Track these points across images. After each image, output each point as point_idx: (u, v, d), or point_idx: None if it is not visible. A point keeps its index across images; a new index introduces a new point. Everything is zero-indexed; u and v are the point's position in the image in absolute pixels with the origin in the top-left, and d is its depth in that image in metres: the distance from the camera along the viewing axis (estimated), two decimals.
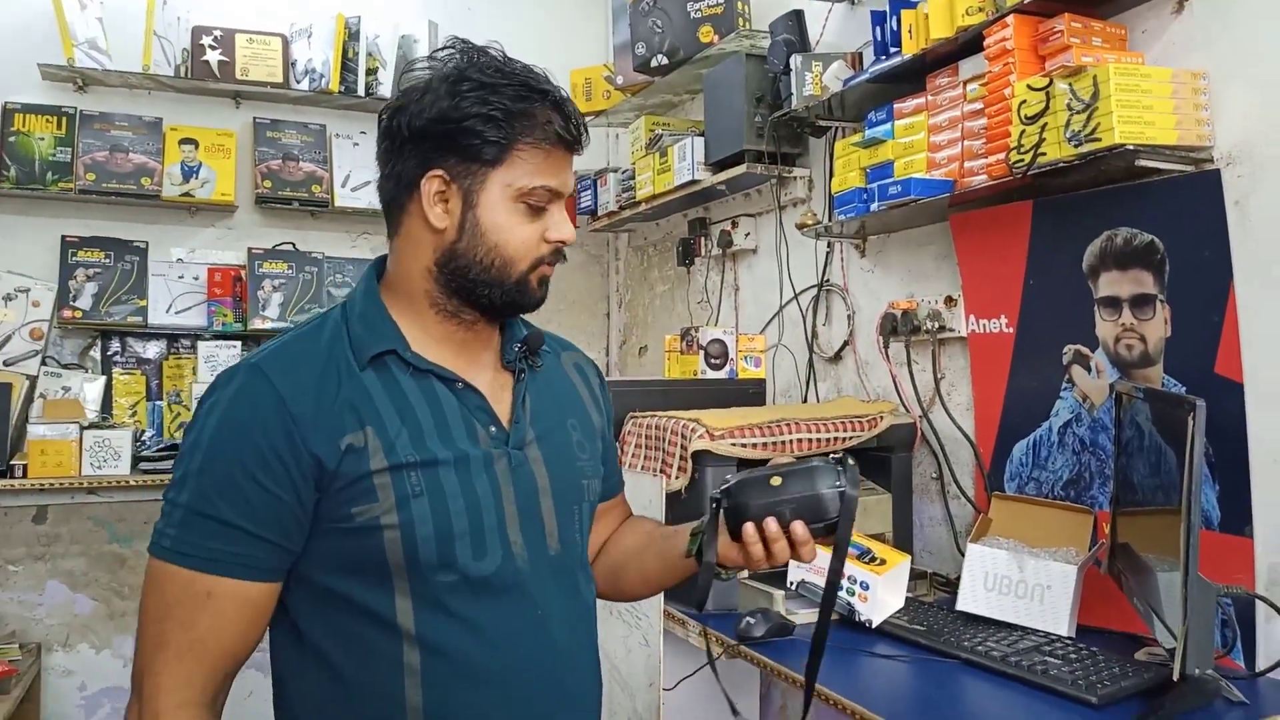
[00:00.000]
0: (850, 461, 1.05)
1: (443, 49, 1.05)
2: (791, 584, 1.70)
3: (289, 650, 1.03)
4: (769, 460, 1.27)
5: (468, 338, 1.08)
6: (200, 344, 2.86)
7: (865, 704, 1.36)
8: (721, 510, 1.04)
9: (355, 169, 3.06)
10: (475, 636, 1.01)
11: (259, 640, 1.01)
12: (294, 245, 3.02)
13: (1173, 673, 1.17)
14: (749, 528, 1.02)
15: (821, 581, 1.14)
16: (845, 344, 2.35)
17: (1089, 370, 1.70)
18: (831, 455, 1.07)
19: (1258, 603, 1.41)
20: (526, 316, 1.14)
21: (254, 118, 3.00)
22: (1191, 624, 1.15)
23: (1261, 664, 1.41)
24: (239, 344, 2.87)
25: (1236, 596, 1.32)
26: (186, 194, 2.88)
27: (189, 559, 0.95)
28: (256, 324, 2.87)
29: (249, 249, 2.92)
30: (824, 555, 1.07)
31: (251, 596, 0.97)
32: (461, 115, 1.00)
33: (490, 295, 1.05)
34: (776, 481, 1.02)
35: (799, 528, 1.02)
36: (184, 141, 2.89)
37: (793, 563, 1.10)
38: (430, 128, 1.01)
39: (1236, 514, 1.45)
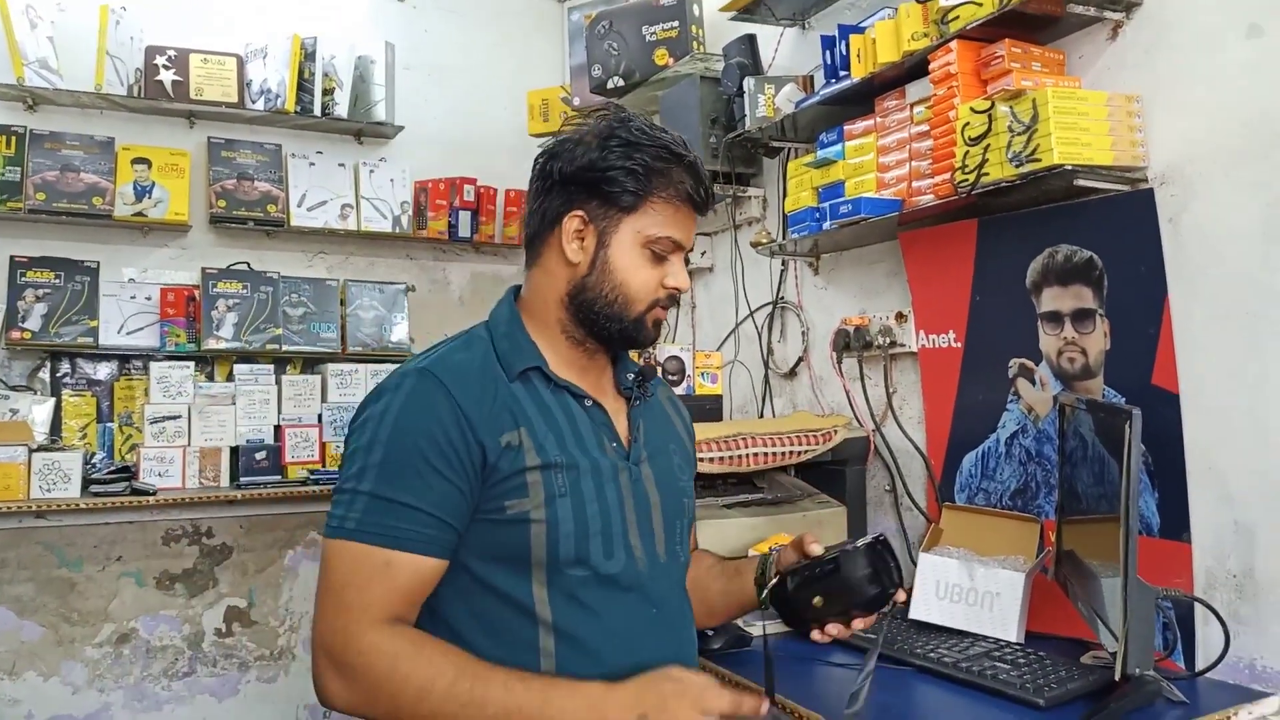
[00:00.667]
0: (882, 537, 1.18)
1: (599, 110, 1.22)
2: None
3: (424, 628, 1.11)
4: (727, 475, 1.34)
5: (589, 365, 1.23)
6: (152, 365, 2.82)
7: (822, 711, 1.38)
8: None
9: (311, 188, 3.06)
10: (601, 627, 1.13)
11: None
12: (249, 265, 3.00)
13: (1115, 674, 1.21)
14: (834, 630, 1.20)
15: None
16: (800, 360, 2.39)
17: (1034, 383, 1.75)
18: (863, 541, 1.18)
19: (1196, 605, 1.46)
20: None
21: (209, 137, 2.98)
22: (1132, 626, 1.19)
23: (1200, 664, 1.46)
24: (192, 364, 2.84)
25: (1175, 599, 1.37)
26: (139, 214, 2.85)
27: (370, 535, 1.05)
28: (210, 344, 2.84)
29: (203, 269, 2.90)
30: None
31: (424, 571, 1.07)
32: (607, 165, 1.14)
33: (610, 328, 1.18)
34: (819, 602, 1.17)
35: (849, 626, 1.21)
36: (137, 161, 2.86)
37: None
38: (578, 174, 1.16)
39: (1175, 520, 1.50)
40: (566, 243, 1.17)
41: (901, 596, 1.17)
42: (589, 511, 1.12)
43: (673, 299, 1.21)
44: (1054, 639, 1.65)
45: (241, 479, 2.77)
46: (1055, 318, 1.69)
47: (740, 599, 1.33)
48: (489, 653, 1.08)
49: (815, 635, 1.19)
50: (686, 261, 1.23)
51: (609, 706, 1.03)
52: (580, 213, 1.17)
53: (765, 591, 1.24)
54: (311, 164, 3.08)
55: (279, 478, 2.80)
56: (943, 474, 1.95)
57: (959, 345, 1.89)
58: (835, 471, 2.11)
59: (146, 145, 2.90)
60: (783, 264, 2.45)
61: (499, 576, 1.11)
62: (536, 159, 1.22)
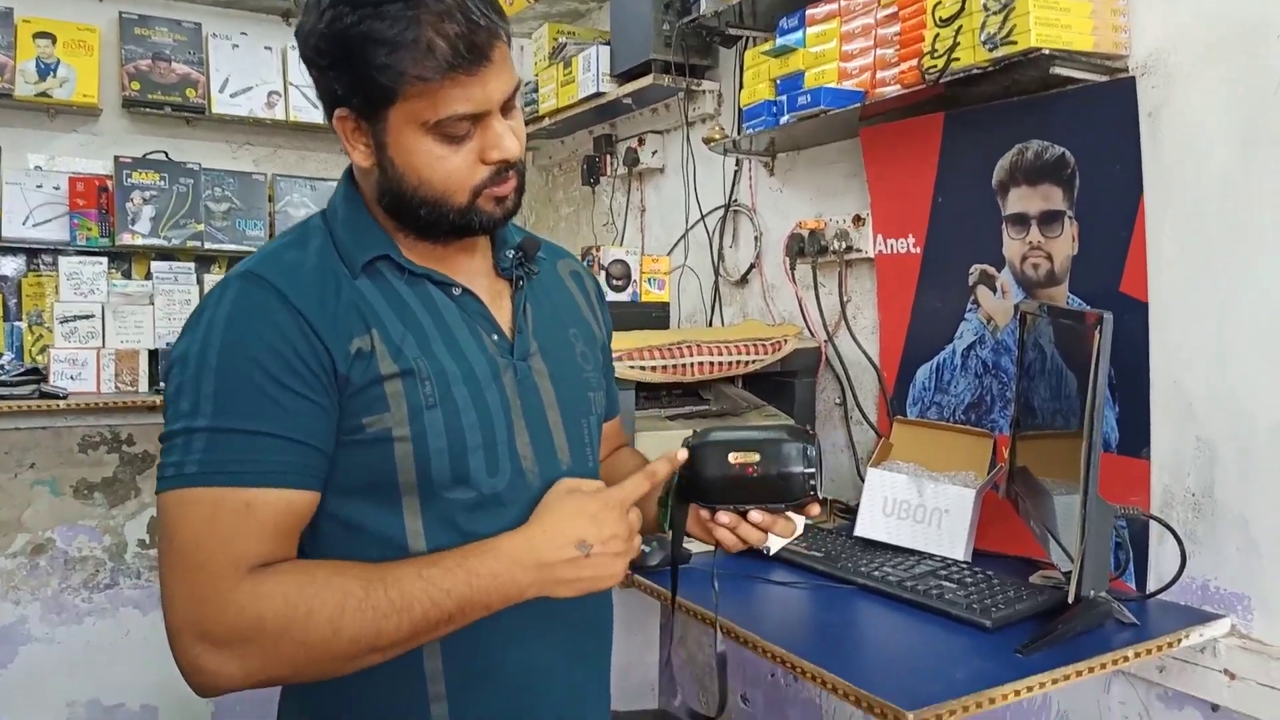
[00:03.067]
0: (812, 431, 1.05)
1: None
2: (765, 549, 1.62)
3: None
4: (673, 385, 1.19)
5: (449, 251, 1.01)
6: (62, 260, 2.63)
7: (760, 631, 1.31)
8: (683, 485, 1.03)
9: (235, 73, 2.83)
10: None
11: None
12: (167, 154, 2.79)
13: (1068, 595, 1.13)
14: (722, 518, 1.03)
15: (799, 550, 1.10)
16: (752, 267, 2.28)
17: (994, 291, 1.65)
18: (789, 425, 1.06)
19: (1151, 525, 1.39)
20: None
21: (120, 12, 2.74)
22: (1089, 545, 1.11)
23: (1152, 585, 1.41)
24: (105, 260, 2.65)
25: (1132, 518, 1.30)
26: (43, 94, 2.62)
27: (220, 476, 0.86)
28: (126, 239, 2.65)
29: (116, 157, 2.68)
30: None
31: (296, 507, 0.90)
32: (342, 48, 0.89)
33: (439, 224, 0.97)
34: (738, 459, 1.00)
35: (762, 518, 1.03)
36: (39, 35, 2.62)
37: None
38: (318, 58, 0.92)
39: (1135, 436, 1.42)
40: (349, 147, 0.96)
41: (815, 510, 1.04)
42: (464, 422, 0.95)
43: (505, 169, 0.96)
44: (1002, 558, 1.59)
45: (162, 384, 2.61)
46: (1021, 220, 1.58)
47: (646, 515, 1.17)
48: None
49: (702, 516, 1.06)
50: (511, 110, 0.96)
51: (542, 550, 0.92)
52: (344, 111, 0.93)
53: (668, 489, 1.07)
54: (235, 46, 2.85)
55: None
56: (895, 387, 1.86)
57: (918, 251, 1.78)
58: (784, 383, 2.01)
59: (50, 18, 2.65)
60: (736, 164, 2.31)
61: (364, 511, 0.94)
62: None
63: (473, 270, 1.04)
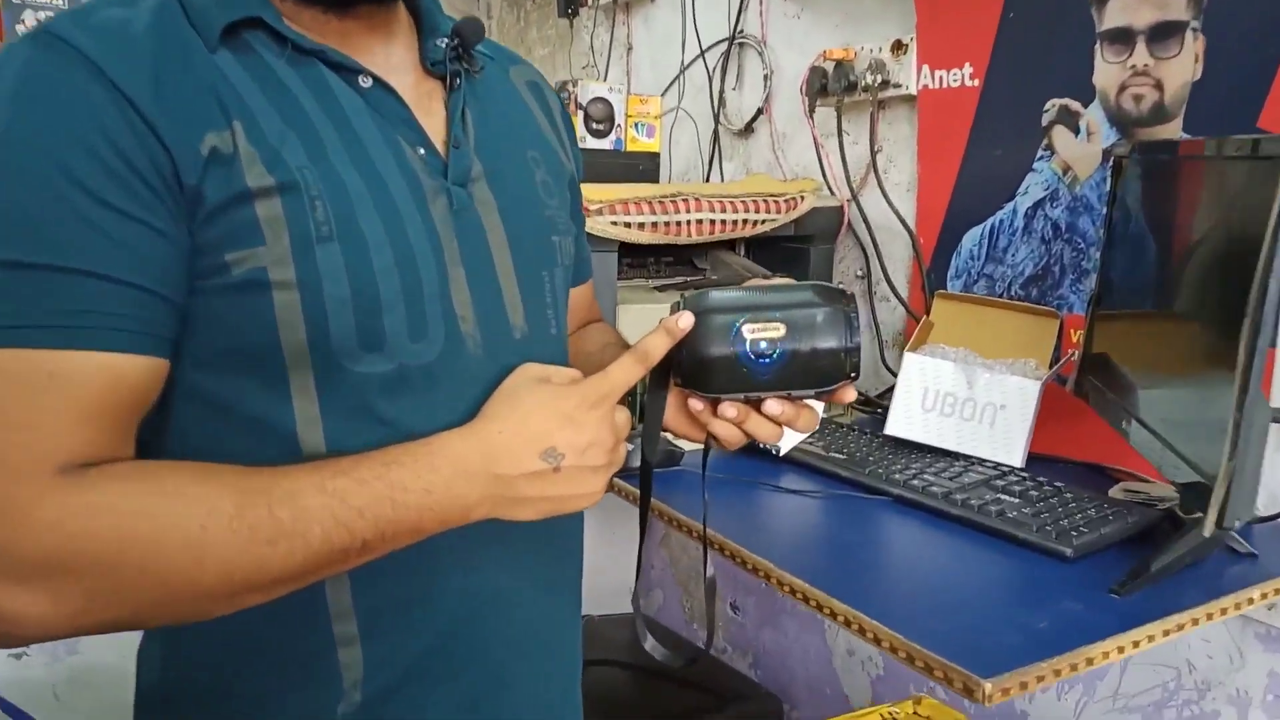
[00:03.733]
0: (849, 291, 0.74)
1: None
2: (774, 449, 1.30)
3: None
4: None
5: (353, 27, 0.71)
6: None
7: (767, 554, 1.02)
8: (674, 359, 0.73)
9: None
10: None
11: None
12: None
13: (1206, 527, 0.84)
14: (727, 411, 0.74)
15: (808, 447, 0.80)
16: (759, 113, 1.91)
17: (1077, 131, 1.31)
18: (821, 284, 0.75)
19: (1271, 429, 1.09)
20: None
21: None
22: (1242, 460, 0.81)
23: (1264, 504, 1.12)
24: None
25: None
26: None
27: (9, 334, 0.57)
28: None
29: None
30: None
31: (127, 379, 0.61)
32: None
33: None
34: (755, 330, 0.71)
35: (782, 409, 0.74)
36: None
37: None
38: None
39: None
40: None
41: (850, 395, 0.75)
42: (377, 263, 0.67)
43: None
44: (1063, 463, 1.30)
45: None
46: (1123, 37, 1.23)
47: None
48: None
49: (693, 406, 0.76)
50: None
51: (498, 457, 0.67)
52: None
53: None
54: None
55: None
56: (934, 256, 1.53)
57: (976, 84, 1.42)
58: (797, 251, 1.68)
59: None
60: None
61: (233, 390, 0.66)
62: None
63: (390, 62, 0.74)
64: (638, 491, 1.21)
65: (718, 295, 0.73)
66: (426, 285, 0.70)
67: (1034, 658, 0.81)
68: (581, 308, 1.00)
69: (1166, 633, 0.89)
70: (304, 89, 0.67)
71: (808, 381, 0.72)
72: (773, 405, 0.74)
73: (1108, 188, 1.22)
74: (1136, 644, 0.86)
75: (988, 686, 0.77)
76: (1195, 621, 0.91)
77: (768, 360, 0.71)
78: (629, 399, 0.82)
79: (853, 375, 0.73)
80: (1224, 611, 0.93)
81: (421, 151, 0.72)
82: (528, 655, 0.79)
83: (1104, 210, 1.25)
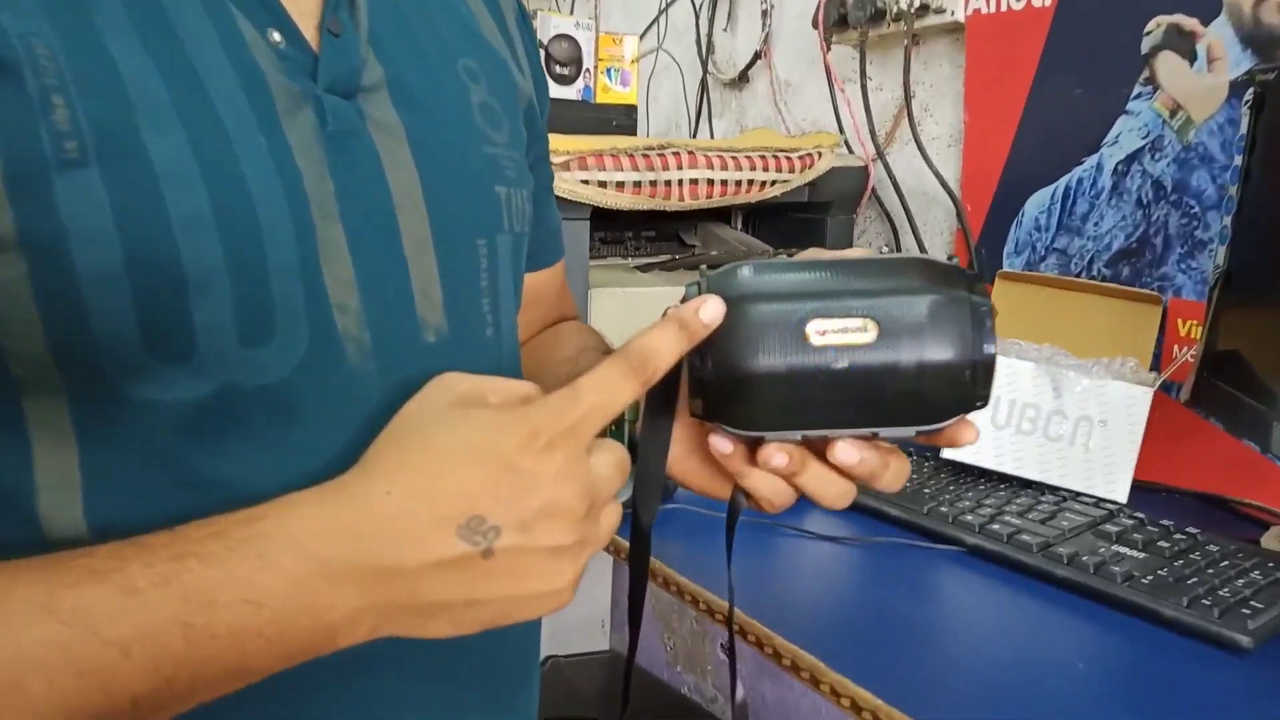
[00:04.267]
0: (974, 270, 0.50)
1: None
2: None
3: None
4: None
5: None
6: None
7: (786, 633, 0.72)
8: (689, 376, 0.45)
9: None
10: None
11: None
12: None
13: None
14: (776, 459, 0.46)
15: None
16: (756, 58, 1.59)
17: (1192, 59, 1.00)
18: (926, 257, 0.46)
19: None
20: None
21: None
22: None
23: None
24: None
25: None
26: None
27: None
28: None
29: None
30: None
31: None
32: None
33: None
34: (826, 331, 0.43)
35: (862, 456, 0.46)
36: None
37: None
38: None
39: None
40: None
41: (970, 437, 0.48)
42: (177, 211, 0.39)
43: None
44: (1167, 494, 1.00)
45: None
46: None
47: None
48: None
49: (718, 449, 0.48)
50: None
51: (387, 539, 0.38)
52: None
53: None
54: None
55: None
56: (986, 227, 1.22)
57: (1048, 2, 1.11)
58: (808, 222, 1.36)
59: None
60: None
61: None
62: None
63: None
64: (618, 540, 0.90)
65: (764, 273, 0.44)
66: (274, 251, 0.42)
67: None
68: (547, 300, 0.71)
69: None
70: None
71: (907, 414, 0.44)
72: (847, 450, 0.46)
73: (1242, 130, 0.92)
74: None
75: None
76: None
77: (845, 380, 0.43)
78: (613, 431, 0.52)
79: (979, 404, 0.45)
80: None
81: (276, 38, 0.44)
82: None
83: (1231, 162, 0.94)
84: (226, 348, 0.41)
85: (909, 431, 0.45)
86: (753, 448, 0.47)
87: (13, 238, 0.36)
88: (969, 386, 0.43)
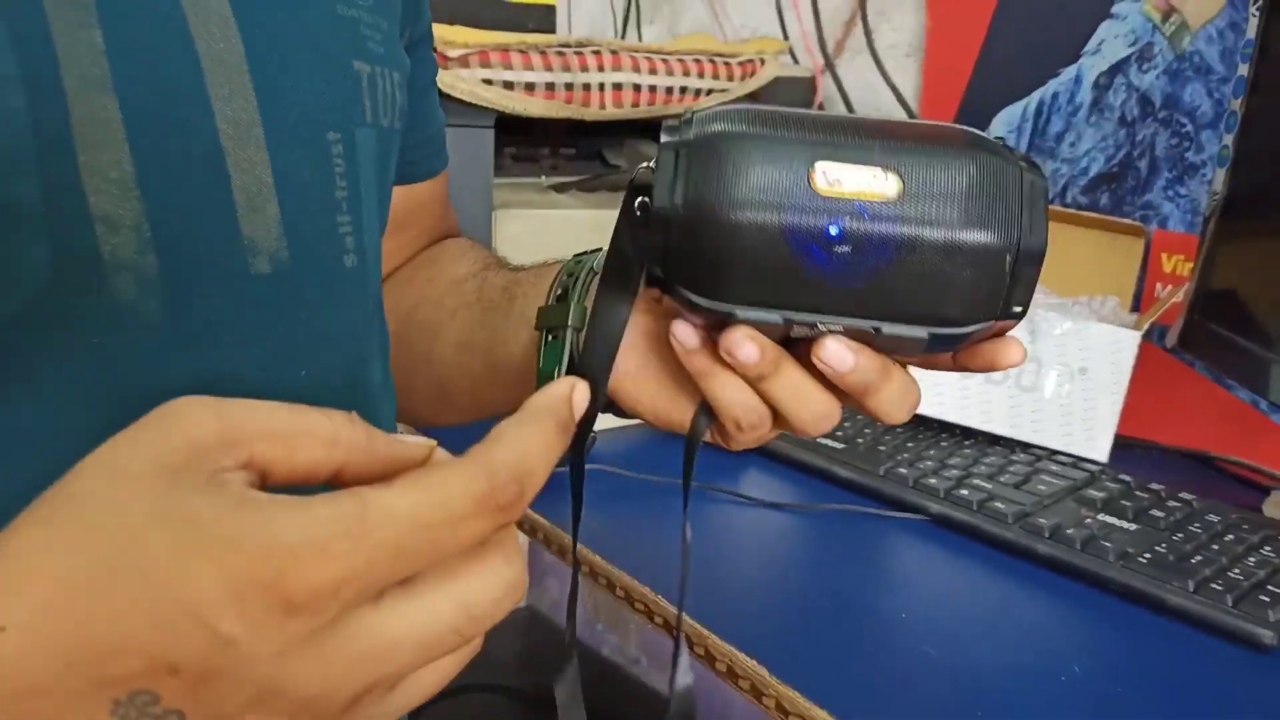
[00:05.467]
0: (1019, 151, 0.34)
1: None
2: None
3: None
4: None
5: None
6: None
7: (716, 620, 0.58)
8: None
9: None
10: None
11: None
12: None
13: None
14: (743, 343, 0.35)
15: None
16: None
17: None
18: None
19: None
20: None
21: None
22: None
23: None
24: None
25: None
26: None
27: None
28: None
29: None
30: None
31: None
32: None
33: None
34: (836, 177, 0.31)
35: (863, 361, 0.35)
36: None
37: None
38: None
39: None
40: None
41: (1016, 356, 0.37)
42: None
43: None
44: (1148, 451, 0.89)
45: None
46: None
47: (500, 357, 0.48)
48: None
49: (685, 338, 0.37)
50: None
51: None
52: None
53: (567, 289, 0.44)
54: None
55: None
56: None
57: None
58: None
59: None
60: None
61: None
62: None
63: None
64: (531, 515, 0.77)
65: (764, 112, 0.33)
66: (11, 136, 0.29)
67: None
68: (423, 222, 0.61)
69: None
70: None
71: (923, 307, 0.34)
72: (838, 349, 0.35)
73: (1248, 36, 0.79)
74: None
75: None
76: None
77: (853, 245, 0.33)
78: (549, 342, 0.44)
79: (1016, 311, 0.35)
80: None
81: None
82: None
83: (1232, 74, 0.82)
84: None
85: (920, 333, 0.34)
86: (724, 329, 0.35)
87: None
88: (1007, 282, 0.33)
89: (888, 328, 0.34)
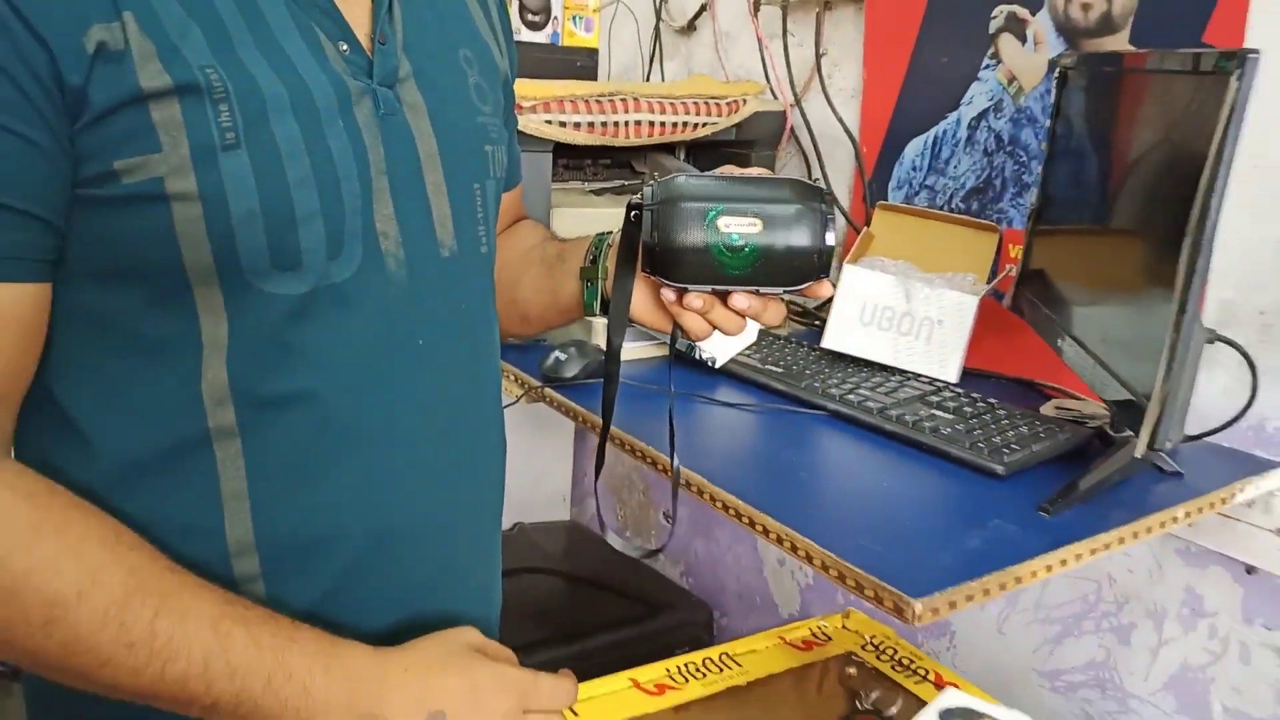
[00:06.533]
0: (827, 189, 0.75)
1: None
2: (709, 360, 1.27)
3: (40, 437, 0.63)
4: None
5: None
6: None
7: (701, 469, 1.00)
8: (643, 245, 0.71)
9: None
10: (329, 383, 0.64)
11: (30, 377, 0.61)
12: None
13: (1113, 437, 0.84)
14: (694, 302, 0.72)
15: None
16: (702, 9, 1.83)
17: (1024, 40, 1.27)
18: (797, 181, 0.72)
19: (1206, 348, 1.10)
20: None
21: None
22: (1175, 382, 0.81)
23: (1192, 424, 1.13)
24: None
25: (1221, 340, 0.99)
26: None
27: None
28: None
29: None
30: None
31: (17, 308, 0.57)
32: None
33: None
34: (730, 225, 0.68)
35: (750, 303, 0.72)
36: None
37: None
38: None
39: None
40: None
41: (825, 291, 0.73)
42: (291, 174, 0.61)
43: None
44: (996, 379, 1.30)
45: None
46: None
47: (559, 296, 0.86)
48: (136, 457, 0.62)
49: (664, 296, 0.74)
50: None
51: (388, 698, 0.62)
52: None
53: (596, 255, 0.83)
54: None
55: None
56: (876, 165, 1.50)
57: None
58: (737, 156, 1.62)
59: None
60: None
61: (129, 313, 0.60)
62: None
63: None
64: (570, 404, 1.19)
65: (693, 182, 0.69)
66: (348, 198, 0.64)
67: (964, 577, 0.80)
68: (511, 211, 0.96)
69: (1094, 551, 0.89)
70: None
71: (778, 279, 0.70)
72: (740, 299, 0.71)
73: (1052, 99, 1.20)
74: (1064, 562, 0.87)
75: (918, 606, 0.77)
76: (1121, 540, 0.92)
77: (740, 254, 0.69)
78: (586, 287, 0.79)
79: (823, 275, 0.71)
80: (1149, 530, 0.94)
81: (344, 48, 0.66)
82: (437, 594, 0.75)
83: (1047, 123, 1.22)
84: (317, 261, 0.62)
85: (779, 290, 0.72)
86: (682, 296, 0.73)
87: (194, 193, 0.57)
88: (816, 263, 0.69)
89: (763, 290, 0.72)
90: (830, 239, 0.69)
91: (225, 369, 0.62)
